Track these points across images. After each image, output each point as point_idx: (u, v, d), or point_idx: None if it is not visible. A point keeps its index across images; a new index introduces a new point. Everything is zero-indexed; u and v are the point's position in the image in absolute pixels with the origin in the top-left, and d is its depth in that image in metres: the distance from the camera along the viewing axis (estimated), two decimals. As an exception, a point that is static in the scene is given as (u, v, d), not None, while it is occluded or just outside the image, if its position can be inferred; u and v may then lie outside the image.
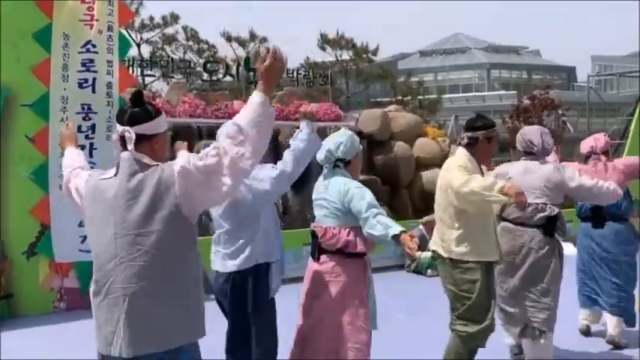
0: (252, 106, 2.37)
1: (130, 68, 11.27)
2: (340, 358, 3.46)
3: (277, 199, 3.57)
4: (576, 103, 31.19)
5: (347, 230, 3.46)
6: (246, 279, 3.35)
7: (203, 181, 2.33)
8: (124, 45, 7.59)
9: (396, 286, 7.75)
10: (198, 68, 17.35)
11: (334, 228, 3.47)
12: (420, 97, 29.52)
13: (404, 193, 12.00)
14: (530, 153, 4.52)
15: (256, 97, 2.39)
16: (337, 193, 3.47)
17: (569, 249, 10.17)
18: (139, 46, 27.20)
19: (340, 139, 3.59)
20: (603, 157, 5.15)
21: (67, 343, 5.55)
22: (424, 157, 12.24)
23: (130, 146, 2.44)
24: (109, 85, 7.17)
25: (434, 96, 32.11)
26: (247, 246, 3.32)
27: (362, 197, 3.38)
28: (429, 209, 11.71)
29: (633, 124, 11.87)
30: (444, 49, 53.31)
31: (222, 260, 3.39)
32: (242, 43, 28.72)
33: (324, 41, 28.06)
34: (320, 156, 3.64)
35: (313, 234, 3.60)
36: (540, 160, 4.48)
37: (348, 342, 3.45)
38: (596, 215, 5.17)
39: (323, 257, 3.52)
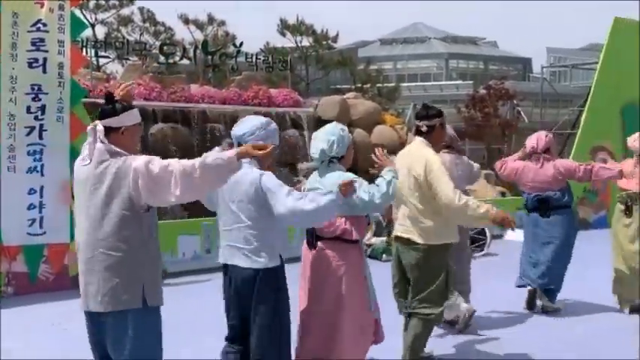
0: (221, 156, 2.83)
1: (84, 49, 11.00)
2: (339, 344, 3.61)
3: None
4: (531, 93, 31.79)
5: (343, 219, 3.57)
6: (273, 275, 3.34)
7: (150, 185, 2.80)
8: (77, 25, 7.37)
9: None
10: (154, 51, 17.02)
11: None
12: (379, 85, 29.61)
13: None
14: (450, 147, 5.27)
15: (232, 152, 2.85)
16: (333, 185, 3.46)
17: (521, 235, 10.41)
18: (93, 26, 26.49)
19: (332, 138, 3.65)
20: (545, 155, 5.78)
21: (15, 329, 5.41)
22: (382, 145, 12.34)
23: (101, 137, 2.91)
24: (61, 66, 6.95)
25: (393, 84, 32.27)
26: (272, 244, 3.33)
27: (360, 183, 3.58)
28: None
29: (584, 115, 12.26)
30: (404, 38, 53.65)
31: (245, 256, 3.32)
32: (200, 26, 28.31)
33: (284, 27, 27.86)
34: (314, 154, 3.73)
35: None
36: (456, 154, 5.35)
37: (352, 324, 3.61)
38: (543, 206, 5.76)
39: (320, 244, 3.64)
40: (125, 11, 27.95)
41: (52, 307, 6.24)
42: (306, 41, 28.06)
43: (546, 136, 5.89)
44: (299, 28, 27.62)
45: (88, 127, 2.98)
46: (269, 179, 3.26)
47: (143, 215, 2.87)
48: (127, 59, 13.35)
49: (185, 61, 13.74)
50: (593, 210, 11.80)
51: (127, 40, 16.30)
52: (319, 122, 11.67)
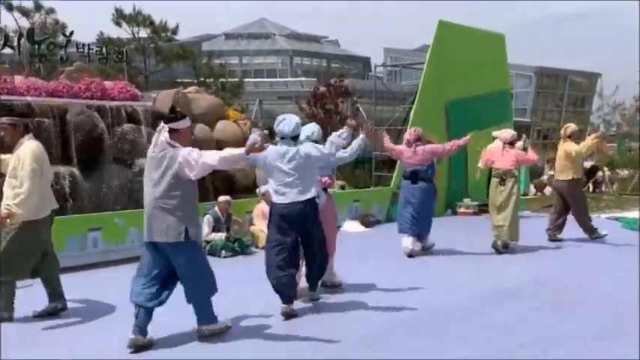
0: (232, 152, 4.85)
1: None
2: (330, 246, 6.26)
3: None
4: (369, 91, 33.30)
5: (326, 177, 6.41)
6: (315, 202, 5.67)
7: (186, 166, 4.67)
8: None
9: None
10: (-29, 38, 15.40)
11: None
12: (222, 79, 29.29)
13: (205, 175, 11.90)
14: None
15: (240, 151, 4.81)
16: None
17: (355, 227, 10.88)
18: None
19: (314, 129, 6.20)
20: (416, 143, 8.47)
21: None
22: (224, 140, 12.24)
23: (165, 134, 4.74)
24: None
25: (237, 79, 32.10)
26: (311, 186, 5.62)
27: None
28: (230, 190, 11.70)
29: (413, 112, 13.07)
30: (249, 33, 53.60)
31: (297, 194, 5.53)
32: (26, 13, 26.19)
33: (119, 16, 26.53)
34: (302, 138, 5.87)
35: None
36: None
37: (333, 235, 6.52)
38: (414, 176, 8.43)
39: None
40: None
41: None
42: (143, 32, 26.99)
43: (415, 130, 8.62)
44: (135, 19, 26.44)
45: (158, 127, 4.81)
46: (306, 147, 5.65)
47: (184, 183, 4.71)
48: (-63, 47, 12.00)
49: (8, 51, 12.64)
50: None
51: (-63, 26, 14.60)
52: (158, 117, 11.26)
